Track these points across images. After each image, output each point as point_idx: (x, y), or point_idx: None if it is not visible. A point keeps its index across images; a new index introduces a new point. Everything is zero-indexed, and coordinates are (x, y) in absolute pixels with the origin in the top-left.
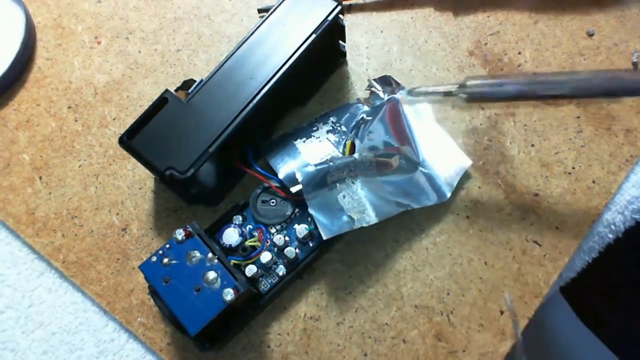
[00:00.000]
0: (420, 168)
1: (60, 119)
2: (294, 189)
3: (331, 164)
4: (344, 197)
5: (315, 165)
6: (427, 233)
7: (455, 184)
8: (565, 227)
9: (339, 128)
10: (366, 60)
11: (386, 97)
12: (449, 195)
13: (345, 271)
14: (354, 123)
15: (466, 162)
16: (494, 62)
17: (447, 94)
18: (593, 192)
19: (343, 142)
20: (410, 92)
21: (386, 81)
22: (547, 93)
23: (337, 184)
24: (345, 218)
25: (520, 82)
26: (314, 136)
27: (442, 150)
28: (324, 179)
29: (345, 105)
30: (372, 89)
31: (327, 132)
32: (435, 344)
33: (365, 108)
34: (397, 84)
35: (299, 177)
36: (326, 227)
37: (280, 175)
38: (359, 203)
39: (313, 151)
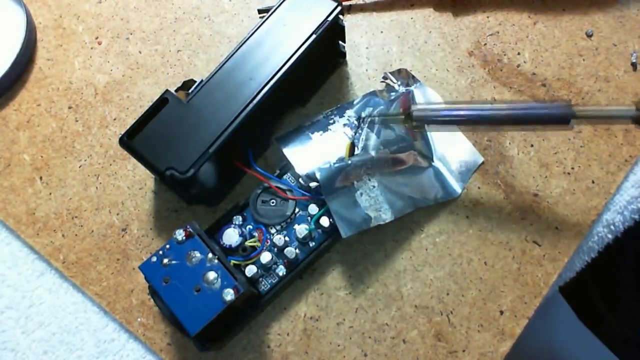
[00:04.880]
0: (433, 164)
1: (60, 119)
2: (312, 185)
3: (349, 162)
4: (362, 194)
5: (334, 163)
6: (427, 233)
7: (467, 180)
8: (564, 227)
9: (355, 122)
10: (366, 60)
11: (401, 90)
12: (460, 191)
13: (345, 271)
14: (356, 122)
15: (478, 159)
16: (493, 63)
17: (397, 120)
18: (592, 192)
19: (357, 137)
20: (367, 119)
21: (401, 74)
22: (478, 120)
23: (355, 182)
24: (362, 216)
25: (459, 109)
26: (330, 129)
27: (454, 147)
28: (342, 177)
29: (362, 98)
30: (387, 81)
31: (344, 125)
32: (435, 344)
33: (381, 101)
34: (413, 76)
35: (318, 175)
36: (345, 226)
37: (296, 168)
38: (376, 201)
39: (329, 145)
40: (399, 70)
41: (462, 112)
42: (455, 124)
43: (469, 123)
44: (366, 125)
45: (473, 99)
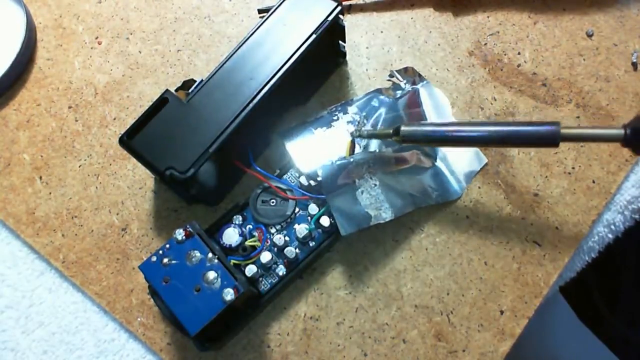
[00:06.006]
0: (436, 164)
1: (60, 119)
2: (312, 184)
3: (351, 160)
4: (362, 193)
5: (336, 161)
6: (427, 233)
7: (470, 180)
8: (565, 227)
9: (358, 119)
10: (366, 60)
11: (407, 88)
12: (462, 192)
13: (345, 271)
14: (357, 120)
15: (481, 160)
16: (493, 62)
17: (386, 135)
18: (593, 192)
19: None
20: (358, 133)
21: (408, 72)
22: (465, 139)
23: (356, 180)
24: (362, 214)
25: (447, 130)
26: (333, 126)
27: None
28: (344, 174)
29: (366, 95)
30: (393, 79)
31: (347, 122)
32: (435, 344)
33: (386, 99)
34: (419, 75)
35: (320, 172)
36: (344, 224)
37: (298, 164)
38: (377, 199)
39: (332, 141)
40: (405, 69)
41: (449, 134)
42: (443, 144)
43: (457, 144)
44: (354, 138)
45: (473, 98)
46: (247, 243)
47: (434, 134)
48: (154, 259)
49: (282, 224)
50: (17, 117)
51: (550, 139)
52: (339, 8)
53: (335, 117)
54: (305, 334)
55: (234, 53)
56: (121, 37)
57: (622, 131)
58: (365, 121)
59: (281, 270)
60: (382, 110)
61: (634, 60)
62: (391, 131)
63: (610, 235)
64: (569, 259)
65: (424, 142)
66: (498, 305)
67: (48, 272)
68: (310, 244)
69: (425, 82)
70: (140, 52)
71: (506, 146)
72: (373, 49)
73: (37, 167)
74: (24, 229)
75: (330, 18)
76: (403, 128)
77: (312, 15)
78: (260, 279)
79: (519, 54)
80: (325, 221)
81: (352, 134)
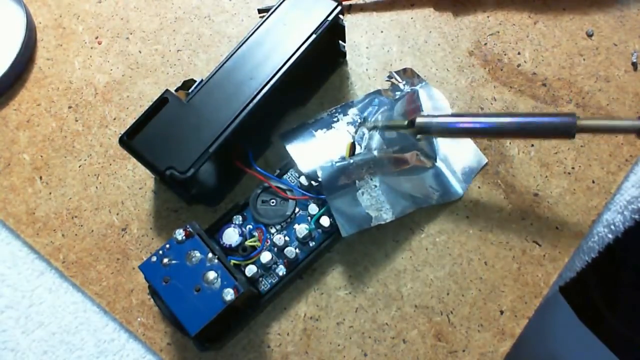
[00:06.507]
0: (436, 164)
1: (60, 119)
2: (313, 184)
3: (351, 161)
4: (363, 194)
5: (336, 162)
6: (427, 233)
7: (470, 181)
8: (565, 227)
9: (359, 120)
10: (366, 60)
11: (406, 89)
12: (462, 192)
13: (345, 271)
14: (358, 122)
15: (482, 160)
16: (493, 62)
17: (400, 127)
18: (593, 192)
19: (360, 137)
20: (370, 125)
21: (407, 73)
22: (480, 131)
23: (357, 181)
24: (363, 215)
25: (463, 121)
26: (334, 127)
27: (458, 147)
28: (344, 176)
29: (366, 97)
30: (392, 80)
31: (348, 123)
32: (435, 344)
33: (386, 100)
34: (418, 76)
35: (320, 174)
36: (345, 225)
37: (299, 166)
38: (377, 200)
39: (332, 143)
40: (404, 70)
41: (465, 125)
42: (458, 135)
43: (472, 134)
44: (369, 131)
45: (473, 98)
46: (247, 243)
47: (448, 125)
48: (154, 259)
49: (282, 224)
50: (17, 117)
51: (566, 130)
52: (339, 8)
53: (335, 119)
54: (305, 334)
55: (234, 53)
56: (121, 37)
57: (638, 122)
58: (365, 122)
59: (281, 270)
60: (382, 111)
61: (634, 60)
62: (405, 123)
63: (610, 235)
64: (569, 259)
65: (438, 134)
66: (498, 305)
67: (48, 272)
68: (310, 244)
69: (424, 83)
70: (140, 52)
71: (521, 138)
72: (373, 49)
73: (37, 167)
74: (24, 229)
75: (330, 18)
76: (418, 120)
77: (312, 15)
78: (260, 279)
79: (519, 54)
80: (325, 221)
81: (366, 126)
